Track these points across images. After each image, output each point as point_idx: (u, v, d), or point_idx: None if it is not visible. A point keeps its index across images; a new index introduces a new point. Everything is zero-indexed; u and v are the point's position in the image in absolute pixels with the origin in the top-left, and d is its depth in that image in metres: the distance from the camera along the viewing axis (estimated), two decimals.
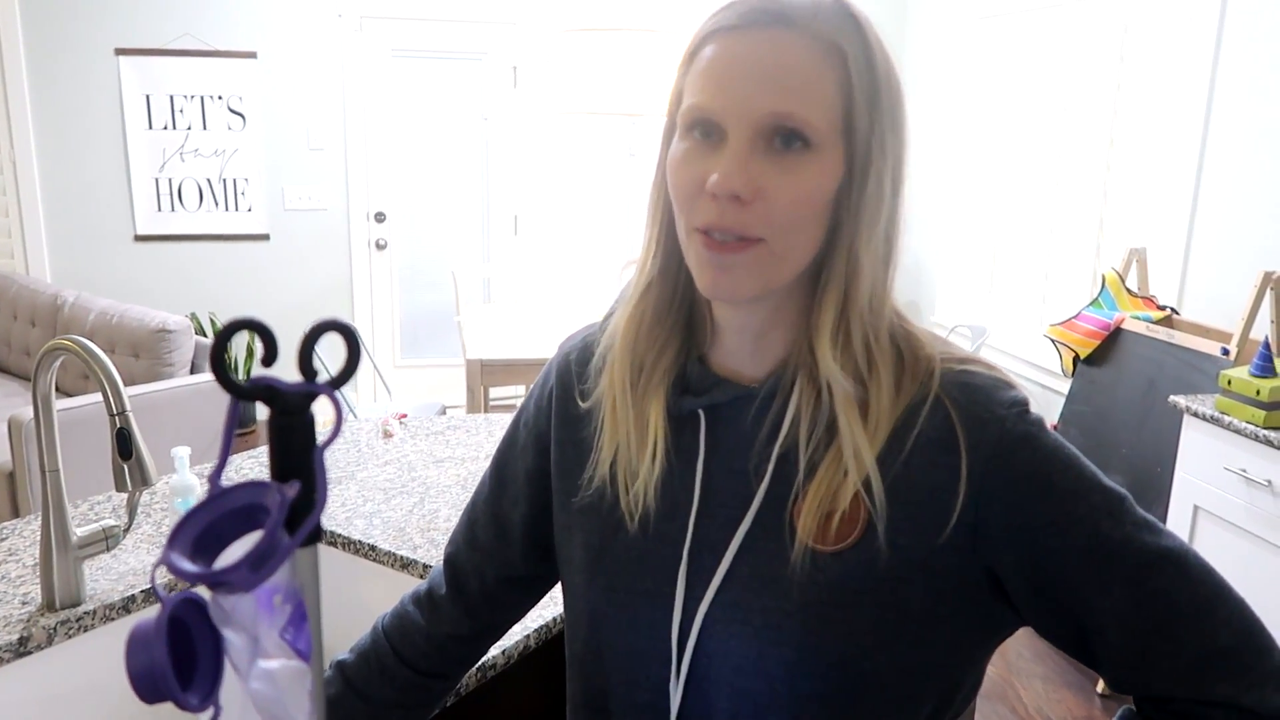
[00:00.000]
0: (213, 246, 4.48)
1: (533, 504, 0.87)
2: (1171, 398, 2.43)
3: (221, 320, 4.53)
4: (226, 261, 4.52)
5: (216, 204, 4.43)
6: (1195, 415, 2.34)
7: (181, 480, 1.29)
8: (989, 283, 4.27)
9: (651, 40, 3.27)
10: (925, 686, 0.70)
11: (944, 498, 0.67)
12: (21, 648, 1.14)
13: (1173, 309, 2.89)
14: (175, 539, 0.44)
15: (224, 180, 4.41)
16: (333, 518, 1.49)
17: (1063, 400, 3.12)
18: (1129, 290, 2.95)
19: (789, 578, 0.68)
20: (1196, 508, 2.37)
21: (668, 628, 0.73)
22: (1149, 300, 2.92)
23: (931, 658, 0.69)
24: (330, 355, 0.91)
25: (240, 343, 4.61)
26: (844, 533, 0.67)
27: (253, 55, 4.34)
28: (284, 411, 0.44)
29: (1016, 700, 2.56)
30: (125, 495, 1.42)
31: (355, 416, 2.54)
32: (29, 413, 2.75)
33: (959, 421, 0.67)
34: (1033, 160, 3.90)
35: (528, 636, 1.19)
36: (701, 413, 0.75)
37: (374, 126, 4.56)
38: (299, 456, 0.45)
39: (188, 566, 0.43)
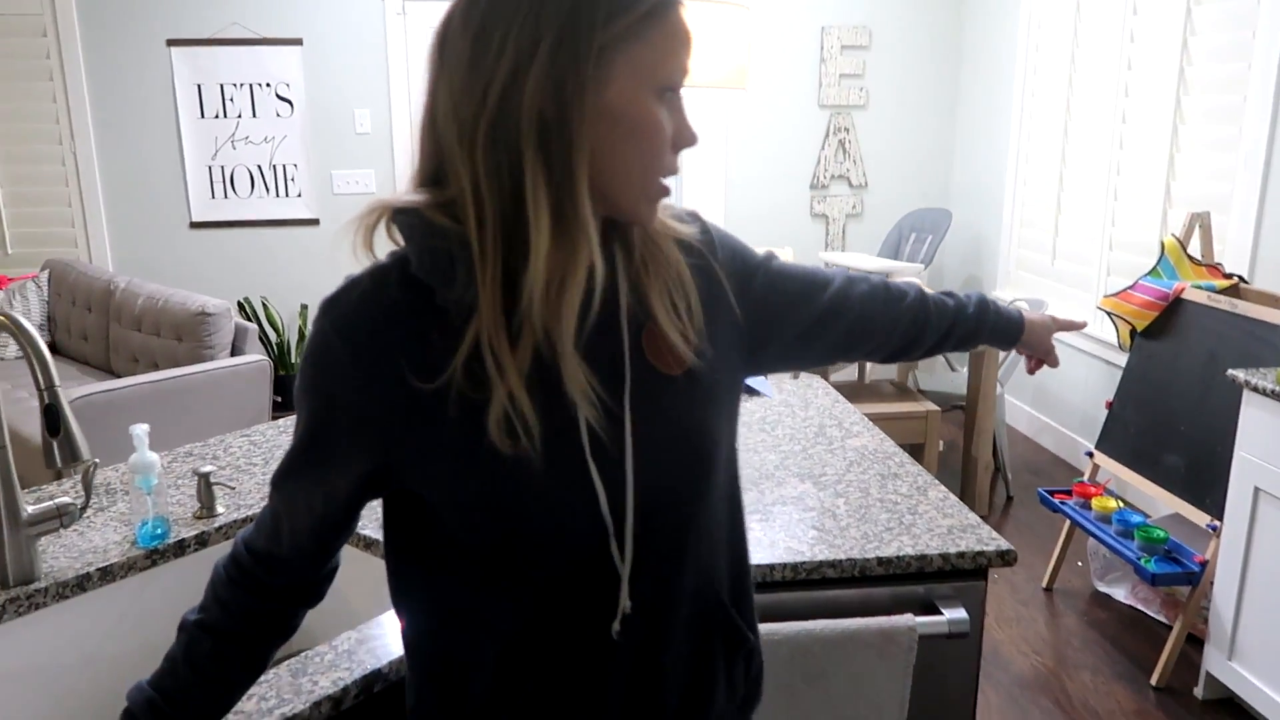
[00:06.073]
0: (264, 232, 4.57)
1: (365, 499, 0.81)
2: (1230, 371, 2.25)
3: (274, 304, 4.61)
4: (278, 246, 4.60)
5: (267, 190, 4.51)
6: (1256, 390, 2.16)
7: (141, 458, 1.28)
8: (1051, 256, 4.06)
9: (716, 11, 3.05)
10: (731, 455, 0.87)
11: (720, 304, 0.85)
12: None
13: (1241, 277, 2.68)
14: None
15: (274, 166, 4.48)
16: None
17: (1119, 375, 2.93)
18: (1191, 257, 2.75)
19: (673, 405, 0.79)
20: (1257, 490, 2.19)
21: (597, 506, 0.74)
22: (1214, 269, 2.71)
23: (734, 428, 0.88)
24: None
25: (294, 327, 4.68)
26: (684, 357, 0.79)
27: (299, 42, 4.38)
28: None
29: (1060, 691, 2.42)
30: (123, 477, 1.42)
31: None
32: None
33: (704, 248, 0.86)
34: (1098, 129, 3.69)
35: None
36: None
37: (418, 110, 4.56)
38: None
39: None
